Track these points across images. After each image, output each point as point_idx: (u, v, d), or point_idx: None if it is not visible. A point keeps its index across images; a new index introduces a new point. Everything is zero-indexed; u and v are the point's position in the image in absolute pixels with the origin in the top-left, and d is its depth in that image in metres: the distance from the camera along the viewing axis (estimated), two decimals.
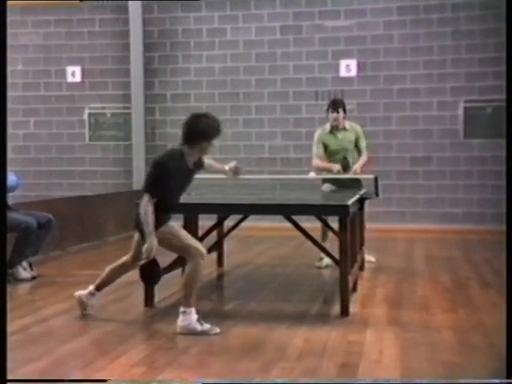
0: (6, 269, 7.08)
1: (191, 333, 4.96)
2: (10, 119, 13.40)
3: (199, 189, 8.31)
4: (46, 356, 4.47)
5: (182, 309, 5.05)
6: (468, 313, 5.80)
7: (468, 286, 7.03)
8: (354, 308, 5.79)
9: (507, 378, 3.44)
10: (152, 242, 4.95)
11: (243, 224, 7.71)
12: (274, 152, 12.84)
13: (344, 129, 8.24)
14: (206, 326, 5.02)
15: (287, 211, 6.06)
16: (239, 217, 7.57)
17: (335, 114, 8.12)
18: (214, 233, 7.41)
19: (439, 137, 12.35)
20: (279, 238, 10.55)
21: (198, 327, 4.99)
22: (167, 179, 5.04)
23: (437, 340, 4.91)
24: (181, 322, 5.03)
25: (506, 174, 3.82)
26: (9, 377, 3.90)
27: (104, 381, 3.98)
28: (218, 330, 5.03)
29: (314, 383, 4.02)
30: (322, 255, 7.63)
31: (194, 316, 5.03)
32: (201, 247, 5.19)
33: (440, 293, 6.72)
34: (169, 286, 6.53)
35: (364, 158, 8.25)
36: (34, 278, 7.26)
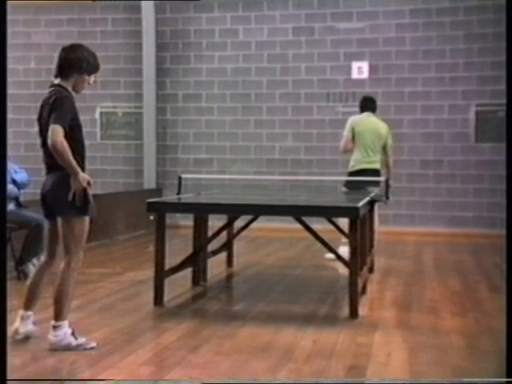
0: (16, 267, 7.13)
1: (65, 348, 4.50)
2: (22, 117, 13.48)
3: (209, 189, 8.34)
4: (54, 354, 4.46)
5: (53, 323, 4.55)
6: (477, 317, 5.78)
7: (477, 290, 7.01)
8: (362, 310, 5.78)
9: (507, 377, 3.43)
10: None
11: (253, 225, 7.72)
12: (284, 153, 12.82)
13: None
14: (81, 340, 4.58)
15: (297, 212, 6.06)
16: (249, 217, 7.58)
17: None
18: (224, 233, 7.42)
19: (450, 140, 12.31)
20: (289, 239, 10.54)
21: (73, 341, 4.54)
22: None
23: (445, 344, 4.89)
24: (53, 337, 4.53)
25: (507, 178, 3.82)
26: (15, 375, 3.92)
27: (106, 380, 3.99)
28: (94, 344, 4.61)
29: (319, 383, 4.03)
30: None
31: (68, 330, 4.56)
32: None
33: (449, 296, 6.70)
34: (178, 286, 6.56)
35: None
36: None
